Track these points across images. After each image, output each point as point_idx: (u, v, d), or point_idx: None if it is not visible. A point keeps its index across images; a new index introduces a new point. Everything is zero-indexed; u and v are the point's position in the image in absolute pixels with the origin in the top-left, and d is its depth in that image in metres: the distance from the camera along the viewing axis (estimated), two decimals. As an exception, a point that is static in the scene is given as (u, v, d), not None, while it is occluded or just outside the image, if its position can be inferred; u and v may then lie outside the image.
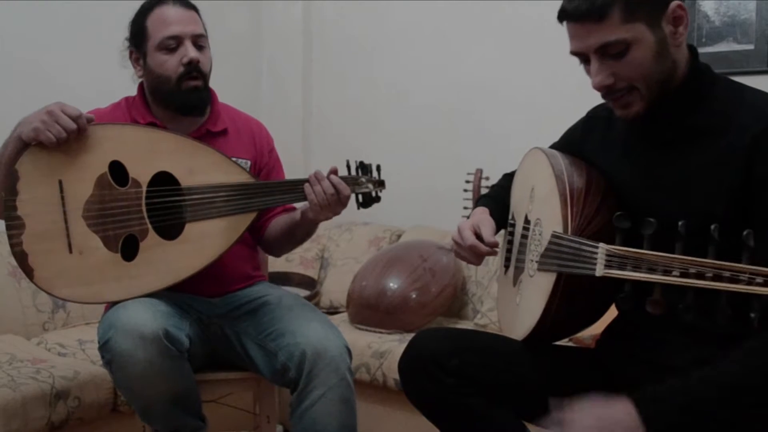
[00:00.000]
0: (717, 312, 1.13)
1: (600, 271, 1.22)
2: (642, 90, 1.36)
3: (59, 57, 2.99)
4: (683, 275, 1.14)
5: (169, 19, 1.88)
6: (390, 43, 3.52)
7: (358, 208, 1.89)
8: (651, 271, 1.17)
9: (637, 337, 1.45)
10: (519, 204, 1.73)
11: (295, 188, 1.85)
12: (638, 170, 1.45)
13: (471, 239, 1.62)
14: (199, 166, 1.86)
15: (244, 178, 1.88)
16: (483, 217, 1.70)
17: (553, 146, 1.71)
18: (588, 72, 1.39)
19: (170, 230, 1.85)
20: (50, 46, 2.97)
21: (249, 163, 2.02)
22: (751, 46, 2.62)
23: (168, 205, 1.85)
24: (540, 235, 1.53)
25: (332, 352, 1.82)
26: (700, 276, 1.13)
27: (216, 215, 1.85)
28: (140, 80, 1.99)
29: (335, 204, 1.81)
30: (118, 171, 1.84)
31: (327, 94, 3.75)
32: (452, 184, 3.08)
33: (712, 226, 1.15)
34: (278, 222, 2.05)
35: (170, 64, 1.89)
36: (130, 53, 1.97)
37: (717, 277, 1.12)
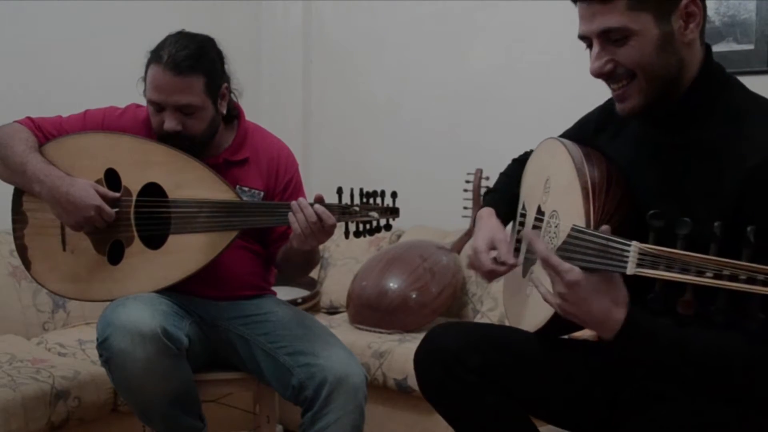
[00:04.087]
0: (748, 316, 1.10)
1: (631, 269, 1.16)
2: (641, 80, 1.31)
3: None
4: (717, 277, 1.10)
5: (154, 84, 1.86)
6: (390, 43, 3.52)
7: (357, 237, 1.83)
8: (684, 271, 1.12)
9: None
10: (531, 194, 1.69)
11: (276, 211, 1.84)
12: (645, 170, 1.41)
13: (488, 265, 1.58)
14: (186, 181, 1.88)
15: (228, 196, 1.89)
16: (496, 230, 1.64)
17: (565, 133, 1.66)
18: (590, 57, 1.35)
19: (154, 240, 1.89)
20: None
21: (262, 194, 2.02)
22: (751, 46, 2.62)
23: (154, 216, 1.88)
24: (556, 227, 1.50)
25: (354, 380, 1.83)
26: (733, 278, 1.09)
27: (198, 230, 1.88)
28: None
29: (319, 233, 1.77)
30: (112, 178, 1.90)
31: (327, 94, 3.75)
32: (452, 184, 3.09)
33: (749, 229, 1.10)
34: (282, 248, 2.04)
35: (154, 121, 1.91)
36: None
37: (751, 280, 1.08)
